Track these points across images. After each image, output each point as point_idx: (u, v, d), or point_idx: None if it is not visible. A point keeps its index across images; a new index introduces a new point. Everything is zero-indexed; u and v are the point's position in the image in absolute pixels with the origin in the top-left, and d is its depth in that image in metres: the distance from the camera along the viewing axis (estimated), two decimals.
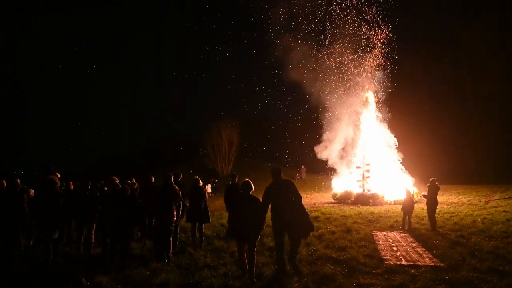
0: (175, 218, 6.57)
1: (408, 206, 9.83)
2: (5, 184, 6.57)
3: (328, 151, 22.98)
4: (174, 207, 6.52)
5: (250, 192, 5.40)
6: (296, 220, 5.37)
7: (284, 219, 5.34)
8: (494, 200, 16.17)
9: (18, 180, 6.12)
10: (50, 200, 5.84)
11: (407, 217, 9.80)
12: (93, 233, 7.44)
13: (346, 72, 22.71)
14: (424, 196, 10.30)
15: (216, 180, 29.66)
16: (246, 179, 5.51)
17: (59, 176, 7.80)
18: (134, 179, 9.55)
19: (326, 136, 23.08)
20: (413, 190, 16.32)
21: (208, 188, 26.39)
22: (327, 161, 23.38)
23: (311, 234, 6.50)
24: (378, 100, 21.97)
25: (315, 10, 23.55)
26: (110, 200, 6.42)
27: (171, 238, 6.53)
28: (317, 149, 23.61)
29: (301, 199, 5.48)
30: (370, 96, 21.75)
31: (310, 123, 24.82)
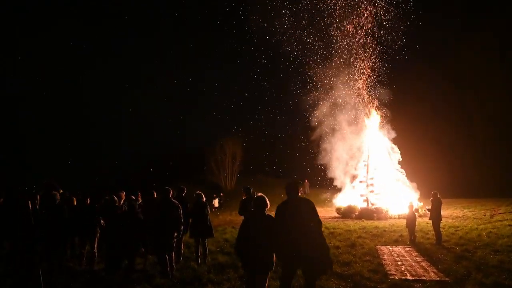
0: (175, 234, 6.51)
1: (411, 221, 9.80)
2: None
3: (332, 165, 22.99)
4: (174, 222, 6.44)
5: (265, 210, 4.44)
6: (311, 252, 4.20)
7: (295, 248, 4.21)
8: (499, 213, 16.02)
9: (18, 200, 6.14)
10: (52, 215, 5.88)
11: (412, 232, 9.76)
12: (95, 248, 7.44)
13: (350, 86, 22.95)
14: (428, 209, 10.28)
15: (222, 194, 29.65)
16: (260, 194, 4.60)
17: (61, 191, 7.86)
18: (138, 194, 9.59)
19: (329, 150, 23.12)
20: (417, 204, 16.23)
21: (216, 202, 26.39)
22: (331, 176, 23.36)
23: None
24: (382, 114, 22.11)
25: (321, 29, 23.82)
26: (116, 216, 6.44)
27: (173, 254, 6.51)
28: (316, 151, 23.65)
29: (321, 226, 4.43)
30: (374, 110, 21.93)
31: (313, 137, 24.86)
